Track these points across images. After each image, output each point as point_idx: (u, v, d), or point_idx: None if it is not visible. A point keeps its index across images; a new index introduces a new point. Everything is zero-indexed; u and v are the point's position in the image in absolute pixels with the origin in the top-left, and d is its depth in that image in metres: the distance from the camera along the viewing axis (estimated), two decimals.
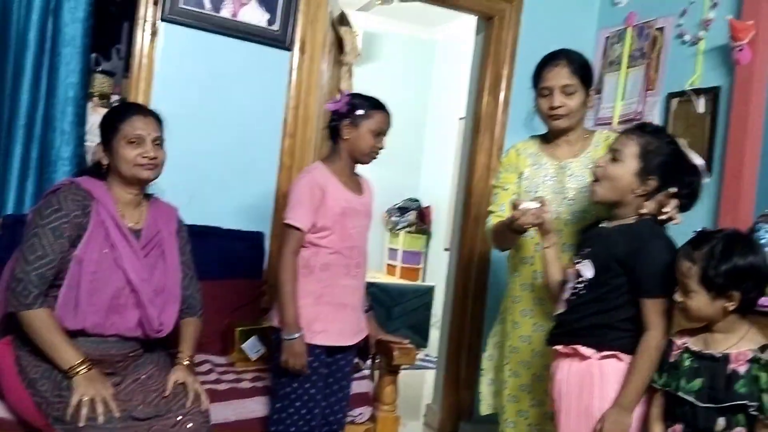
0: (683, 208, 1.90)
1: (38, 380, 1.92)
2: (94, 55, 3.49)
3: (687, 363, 1.74)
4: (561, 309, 1.97)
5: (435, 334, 4.84)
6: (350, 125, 2.21)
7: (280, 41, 3.02)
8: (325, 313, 2.22)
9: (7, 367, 1.98)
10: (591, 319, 1.88)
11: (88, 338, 1.97)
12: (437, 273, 6.24)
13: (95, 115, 3.23)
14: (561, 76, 2.19)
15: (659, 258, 1.79)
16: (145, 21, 2.86)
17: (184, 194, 2.67)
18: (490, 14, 3.47)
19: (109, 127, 2.07)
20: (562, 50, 2.26)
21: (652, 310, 1.80)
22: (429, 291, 5.76)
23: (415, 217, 6.79)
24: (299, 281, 2.19)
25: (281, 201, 2.96)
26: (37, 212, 1.99)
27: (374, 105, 2.25)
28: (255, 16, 2.97)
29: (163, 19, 2.86)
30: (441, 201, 6.50)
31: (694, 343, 1.76)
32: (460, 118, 3.70)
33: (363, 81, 4.64)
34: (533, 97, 2.29)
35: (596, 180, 1.92)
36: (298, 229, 2.17)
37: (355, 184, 2.30)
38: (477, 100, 3.55)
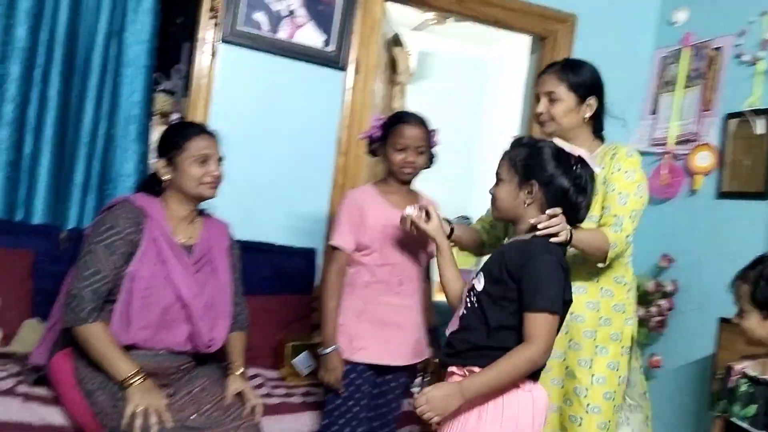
0: (571, 213, 1.80)
1: (95, 391, 1.98)
2: (155, 74, 3.61)
3: (743, 388, 1.71)
4: (454, 327, 1.83)
5: None
6: (381, 147, 2.30)
7: (334, 62, 3.08)
8: (366, 330, 2.24)
9: (66, 378, 2.05)
10: (480, 341, 1.74)
11: (140, 352, 2.03)
12: None
13: (156, 133, 3.35)
14: (547, 82, 2.19)
15: (543, 272, 1.70)
16: (204, 42, 2.96)
17: (239, 211, 2.74)
18: (544, 34, 3.47)
19: (174, 145, 2.11)
20: (564, 59, 2.29)
21: (532, 323, 1.67)
22: None
23: None
24: (344, 298, 2.25)
25: (333, 218, 3.01)
26: (92, 230, 2.06)
27: (393, 120, 2.29)
28: (311, 37, 3.04)
29: (222, 41, 2.95)
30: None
31: (752, 368, 1.73)
32: (513, 137, 3.70)
33: (416, 99, 4.68)
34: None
35: (492, 202, 1.90)
36: (340, 248, 2.25)
37: (408, 201, 2.29)
38: (530, 120, 3.54)
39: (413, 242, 2.29)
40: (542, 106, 2.19)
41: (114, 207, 2.09)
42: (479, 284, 1.77)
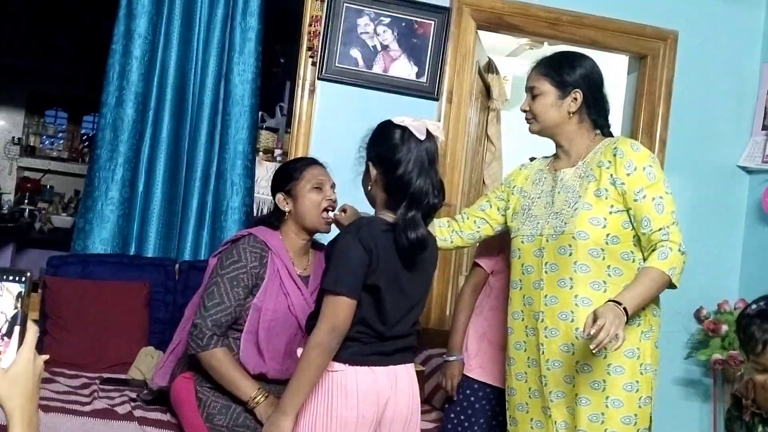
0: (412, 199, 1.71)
1: (216, 415, 2.08)
2: (260, 113, 3.78)
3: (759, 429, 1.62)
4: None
5: None
6: None
7: (428, 92, 3.13)
8: (485, 351, 2.32)
9: (187, 400, 2.16)
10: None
11: (267, 384, 2.11)
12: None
13: (260, 168, 3.50)
14: (531, 78, 2.07)
15: (335, 253, 1.68)
16: (304, 80, 3.08)
17: None
18: (643, 53, 3.39)
19: (290, 177, 2.22)
20: (555, 52, 2.13)
21: (323, 304, 1.67)
22: None
23: None
24: (474, 317, 2.38)
25: None
26: (219, 261, 2.17)
27: None
28: (404, 70, 3.11)
29: (320, 78, 3.06)
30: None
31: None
32: None
33: (512, 125, 4.66)
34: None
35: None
36: (481, 266, 2.39)
37: None
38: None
39: None
40: (525, 103, 2.07)
41: (239, 240, 2.19)
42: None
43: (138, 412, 2.32)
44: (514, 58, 5.21)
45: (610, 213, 1.93)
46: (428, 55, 3.11)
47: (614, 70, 4.57)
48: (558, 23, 3.25)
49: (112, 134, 3.11)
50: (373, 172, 1.75)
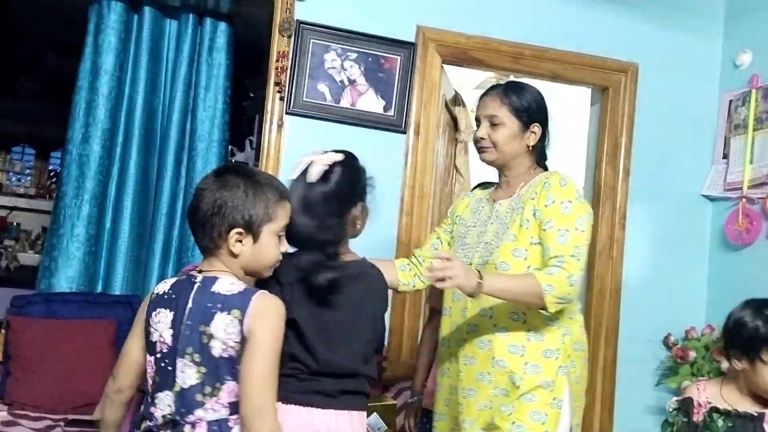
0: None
1: None
2: (231, 147, 3.79)
3: (720, 423, 1.68)
4: None
5: None
6: None
7: (395, 125, 3.16)
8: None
9: None
10: None
11: None
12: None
13: None
14: (489, 105, 2.03)
15: None
16: (272, 115, 3.09)
17: None
18: (604, 86, 3.47)
19: None
20: (508, 81, 2.14)
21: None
22: None
23: None
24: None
25: None
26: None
27: None
28: (372, 104, 3.14)
29: (288, 113, 3.08)
30: None
31: (717, 399, 1.81)
32: (582, 188, 3.67)
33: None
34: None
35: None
36: (435, 309, 2.37)
37: None
38: (596, 171, 3.51)
39: None
40: (483, 130, 2.03)
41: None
42: None
43: None
44: (481, 90, 5.30)
45: (531, 244, 1.93)
46: (395, 89, 3.15)
47: (577, 102, 4.66)
48: (520, 57, 3.32)
49: (79, 170, 3.08)
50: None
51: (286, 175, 3.06)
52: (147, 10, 3.21)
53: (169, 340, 1.48)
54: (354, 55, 3.12)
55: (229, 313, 1.44)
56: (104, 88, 3.10)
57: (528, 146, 2.04)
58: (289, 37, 3.06)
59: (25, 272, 5.78)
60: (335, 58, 3.10)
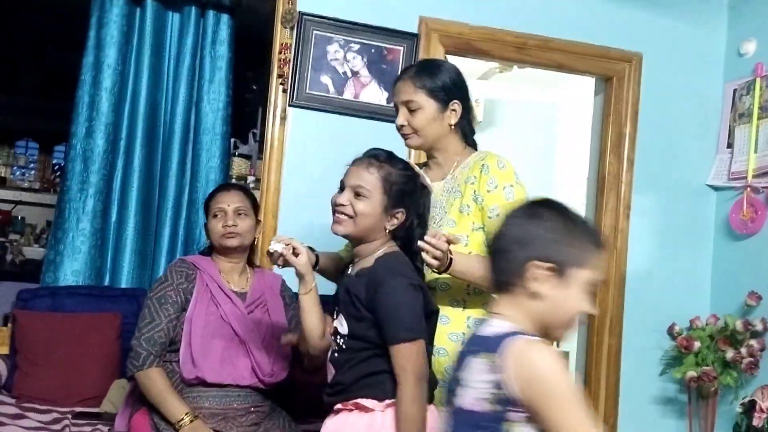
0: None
1: None
2: (233, 140, 3.79)
3: None
4: (331, 374, 1.79)
5: None
6: None
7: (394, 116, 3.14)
8: None
9: None
10: (362, 371, 1.71)
11: (210, 389, 2.14)
12: (571, 339, 6.04)
13: None
14: (403, 91, 1.93)
15: (394, 301, 1.65)
16: (275, 107, 3.09)
17: None
18: (608, 75, 3.46)
19: (205, 208, 2.37)
20: (419, 62, 2.03)
21: (396, 359, 1.64)
22: (566, 356, 5.59)
23: None
24: None
25: None
26: (149, 288, 2.30)
27: None
28: (375, 95, 3.14)
29: (291, 105, 3.07)
30: None
31: None
32: (587, 178, 3.67)
33: (485, 147, 4.70)
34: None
35: (343, 215, 1.75)
36: None
37: None
38: (600, 161, 3.50)
39: None
40: (401, 117, 1.95)
41: (169, 266, 2.33)
42: (342, 327, 1.74)
43: None
44: (485, 81, 5.29)
45: (472, 230, 1.89)
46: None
47: (581, 92, 4.65)
48: (525, 47, 3.31)
49: (83, 165, 3.09)
50: (401, 217, 1.76)
51: (289, 167, 3.09)
52: (149, 4, 3.21)
53: None
54: (357, 47, 3.12)
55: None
56: (107, 83, 3.09)
57: (450, 125, 1.95)
58: (292, 28, 3.05)
59: (30, 266, 5.80)
60: (338, 49, 3.10)
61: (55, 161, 7.51)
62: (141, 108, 3.16)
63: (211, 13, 3.32)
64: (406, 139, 1.98)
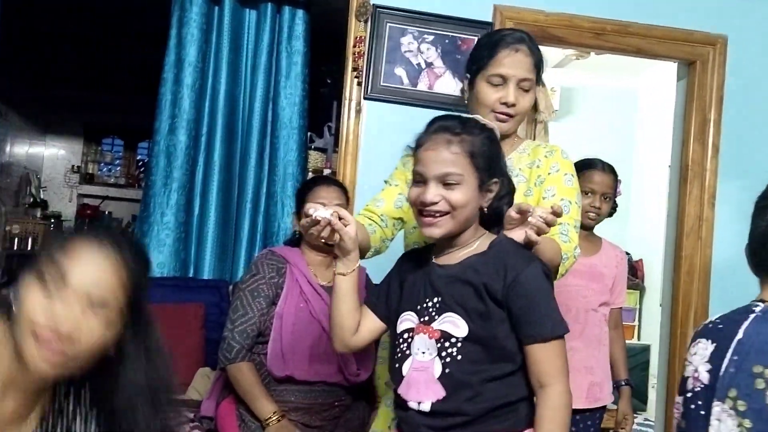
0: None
1: None
2: (309, 133, 3.85)
3: None
4: (436, 393, 1.36)
5: (654, 396, 4.56)
6: None
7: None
8: None
9: (230, 425, 2.21)
10: (497, 398, 1.35)
11: (297, 386, 2.17)
12: (653, 330, 5.88)
13: None
14: (522, 66, 1.68)
15: (538, 288, 1.36)
16: (350, 100, 3.12)
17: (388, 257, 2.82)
18: (691, 59, 3.33)
19: (300, 198, 2.33)
20: (521, 32, 1.74)
21: (549, 356, 1.34)
22: (645, 350, 5.45)
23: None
24: None
25: None
26: (240, 279, 2.31)
27: (581, 166, 2.30)
28: (449, 86, 3.12)
29: (365, 98, 3.10)
30: (653, 254, 6.17)
31: None
32: (669, 166, 3.55)
33: (562, 137, 4.63)
34: (467, 83, 1.74)
35: (436, 214, 1.40)
36: None
37: (586, 245, 2.30)
38: (683, 148, 3.39)
39: (584, 285, 2.30)
40: (514, 94, 1.68)
41: (258, 257, 2.32)
42: (456, 328, 1.36)
43: None
44: (561, 68, 5.19)
45: None
46: None
47: (663, 77, 4.50)
48: (603, 33, 3.22)
49: (166, 161, 3.20)
50: (496, 188, 1.45)
51: (364, 160, 3.11)
52: (227, 2, 3.29)
53: (705, 377, 1.22)
54: (430, 38, 3.11)
55: None
56: (188, 80, 3.20)
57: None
58: (366, 21, 3.07)
59: None
60: (412, 41, 3.10)
61: (139, 157, 7.80)
62: (220, 104, 3.25)
63: (286, 9, 3.38)
64: (504, 120, 1.72)
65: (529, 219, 1.38)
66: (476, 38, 3.12)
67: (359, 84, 3.10)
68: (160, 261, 3.18)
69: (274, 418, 2.09)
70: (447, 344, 1.36)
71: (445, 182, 1.38)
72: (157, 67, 3.29)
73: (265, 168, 3.32)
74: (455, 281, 1.39)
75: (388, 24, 3.08)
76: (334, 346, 1.53)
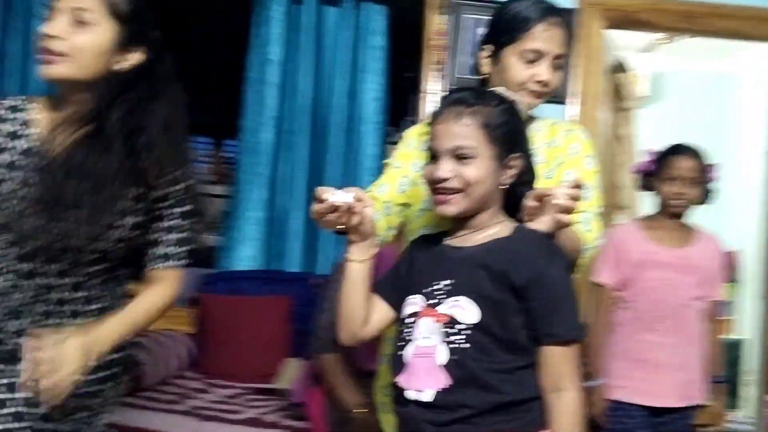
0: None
1: (342, 425, 2.17)
2: (388, 128, 3.86)
3: None
4: (437, 382, 1.23)
5: (750, 393, 4.36)
6: (653, 181, 2.28)
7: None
8: (623, 369, 2.22)
9: (317, 412, 2.27)
10: (506, 394, 1.22)
11: None
12: (751, 324, 5.62)
13: None
14: (558, 41, 1.53)
15: (564, 285, 1.26)
16: (427, 94, 3.12)
17: None
18: None
19: None
20: (551, 3, 1.57)
21: (567, 359, 1.24)
22: (740, 344, 5.22)
23: None
24: (611, 336, 2.24)
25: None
26: (335, 269, 2.32)
27: (665, 153, 2.27)
28: None
29: (445, 91, 3.08)
30: (750, 245, 5.89)
31: None
32: (766, 153, 3.39)
33: (650, 123, 4.49)
34: (487, 54, 1.58)
35: (449, 191, 1.28)
36: (603, 285, 2.28)
37: (678, 236, 2.27)
38: None
39: (677, 278, 2.23)
40: (548, 71, 1.53)
41: None
42: (465, 313, 1.24)
43: (285, 421, 2.43)
44: (648, 53, 5.01)
45: None
46: None
47: (761, 59, 4.29)
48: (693, 16, 3.09)
49: (252, 158, 3.29)
50: (518, 164, 1.33)
51: None
52: (308, 0, 3.34)
53: None
54: None
55: None
56: (272, 78, 3.27)
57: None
58: (444, 14, 3.05)
59: (204, 253, 6.26)
60: None
61: (225, 155, 8.04)
62: (303, 101, 3.31)
63: (366, 5, 3.40)
64: (535, 96, 1.56)
65: (553, 201, 1.27)
66: None
67: (439, 77, 3.09)
68: (249, 255, 3.27)
69: (360, 411, 2.12)
70: (454, 330, 1.24)
71: (458, 156, 1.27)
72: (239, 66, 3.38)
73: (348, 163, 3.37)
74: (471, 264, 1.27)
75: (467, 15, 3.05)
76: (341, 338, 1.40)
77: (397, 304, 1.36)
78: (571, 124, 1.69)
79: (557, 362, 1.24)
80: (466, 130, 1.27)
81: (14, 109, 1.38)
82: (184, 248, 1.44)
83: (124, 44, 1.36)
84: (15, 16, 3.20)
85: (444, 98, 1.34)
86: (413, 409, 1.25)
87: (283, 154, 3.33)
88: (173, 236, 1.41)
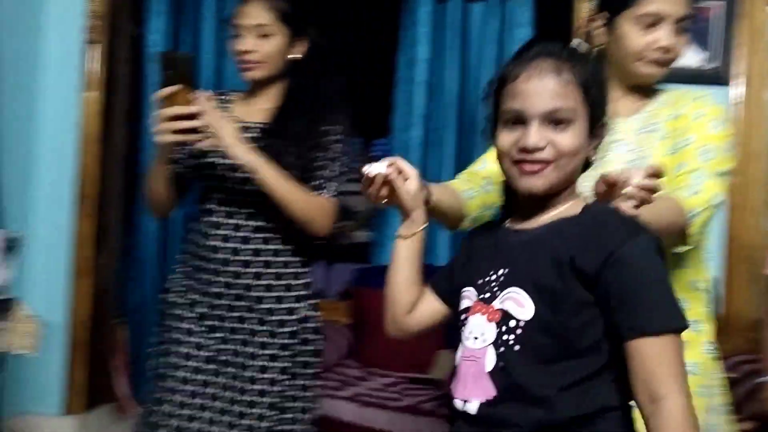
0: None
1: None
2: None
3: None
4: (486, 392, 1.05)
5: None
6: None
7: (713, 78, 2.91)
8: None
9: None
10: (570, 406, 1.00)
11: None
12: None
13: None
14: (679, 2, 1.42)
15: (654, 267, 1.02)
16: None
17: None
18: None
19: None
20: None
21: (660, 357, 0.97)
22: None
23: None
24: None
25: (734, 243, 2.82)
26: None
27: None
28: (691, 58, 2.92)
29: None
30: None
31: None
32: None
33: None
34: (599, 24, 1.47)
35: (540, 161, 1.07)
36: None
37: None
38: None
39: None
40: (670, 38, 1.42)
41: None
42: (519, 307, 1.05)
43: (442, 410, 2.50)
44: None
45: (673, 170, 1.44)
46: (713, 39, 2.91)
47: None
48: None
49: (402, 155, 3.37)
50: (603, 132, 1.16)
51: None
52: None
53: None
54: None
55: None
56: (421, 77, 3.34)
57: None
58: (591, 2, 2.99)
59: (357, 248, 6.43)
60: None
61: (373, 154, 8.25)
62: (450, 99, 3.36)
63: None
64: (660, 64, 1.46)
65: (625, 191, 1.10)
66: (723, 3, 2.89)
67: None
68: None
69: None
70: (505, 329, 1.05)
71: (555, 120, 1.06)
72: (387, 66, 3.48)
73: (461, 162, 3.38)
74: (532, 247, 1.08)
75: None
76: (387, 329, 1.29)
77: (449, 298, 1.22)
78: (700, 93, 1.53)
79: (650, 362, 0.98)
80: (565, 89, 1.06)
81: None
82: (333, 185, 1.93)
83: (294, 39, 1.78)
84: (206, 17, 3.43)
85: (522, 51, 1.12)
86: (461, 425, 1.08)
87: (432, 150, 3.40)
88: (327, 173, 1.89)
